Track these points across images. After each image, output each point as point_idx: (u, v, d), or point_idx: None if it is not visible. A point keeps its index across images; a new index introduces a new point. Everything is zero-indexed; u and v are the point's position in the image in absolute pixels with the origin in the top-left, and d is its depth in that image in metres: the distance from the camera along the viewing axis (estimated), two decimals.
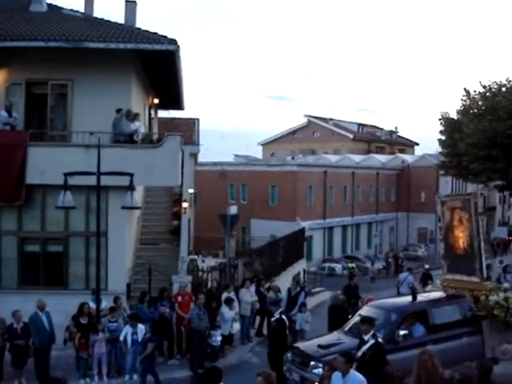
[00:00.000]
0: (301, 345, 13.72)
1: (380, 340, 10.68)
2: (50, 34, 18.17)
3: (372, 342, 10.52)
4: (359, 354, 10.44)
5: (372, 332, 10.76)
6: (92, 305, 15.71)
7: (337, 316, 15.69)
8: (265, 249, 27.53)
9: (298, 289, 18.17)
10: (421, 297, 14.03)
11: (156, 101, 27.49)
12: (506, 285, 14.08)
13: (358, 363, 10.18)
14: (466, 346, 12.53)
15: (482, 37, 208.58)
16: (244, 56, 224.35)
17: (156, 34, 18.71)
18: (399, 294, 20.75)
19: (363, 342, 10.67)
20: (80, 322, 15.00)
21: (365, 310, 13.98)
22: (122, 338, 14.62)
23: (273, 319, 14.53)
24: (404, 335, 12.28)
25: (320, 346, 12.78)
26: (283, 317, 14.31)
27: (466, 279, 13.96)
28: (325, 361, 11.50)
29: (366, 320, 11.27)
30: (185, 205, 22.75)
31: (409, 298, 13.94)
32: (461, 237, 14.05)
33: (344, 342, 12.39)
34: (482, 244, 13.60)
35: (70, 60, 18.57)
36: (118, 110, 18.35)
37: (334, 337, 13.45)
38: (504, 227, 66.51)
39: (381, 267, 50.85)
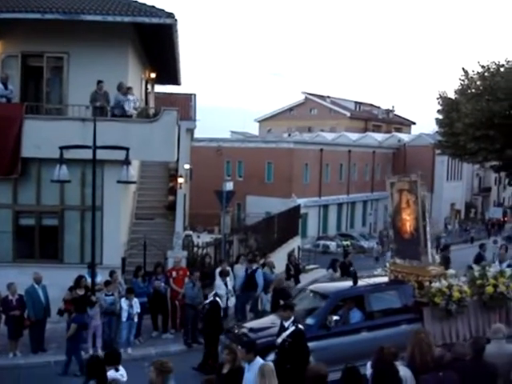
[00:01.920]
0: (238, 327, 13.26)
1: (301, 327, 10.26)
2: (47, 5, 18.05)
3: (292, 328, 10.10)
4: (279, 340, 10.14)
5: (293, 318, 10.33)
6: (88, 279, 15.75)
7: (279, 298, 14.97)
8: (260, 225, 27.58)
9: (254, 267, 17.78)
10: (362, 281, 13.42)
11: (153, 75, 27.36)
12: (451, 271, 13.62)
13: (278, 350, 10.08)
14: (405, 334, 11.50)
15: (482, 16, 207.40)
16: (242, 32, 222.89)
17: (154, 7, 18.57)
18: None
19: (283, 329, 10.27)
20: (76, 293, 15.01)
21: (303, 295, 13.80)
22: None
23: (206, 301, 13.85)
24: (336, 321, 11.83)
25: (250, 330, 12.45)
26: (217, 299, 13.73)
27: (412, 264, 13.50)
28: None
29: (286, 306, 10.84)
30: (180, 180, 22.74)
31: (350, 283, 13.34)
32: (408, 220, 13.53)
33: (275, 325, 11.53)
34: (428, 228, 13.04)
35: (67, 33, 18.46)
36: (99, 82, 18.20)
37: (268, 320, 12.97)
38: (499, 208, 66.80)
39: (375, 246, 51.03)
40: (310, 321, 12.01)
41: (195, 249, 21.45)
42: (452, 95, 35.80)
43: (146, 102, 26.30)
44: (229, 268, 17.56)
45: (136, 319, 15.07)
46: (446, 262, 20.56)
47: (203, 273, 16.98)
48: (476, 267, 13.90)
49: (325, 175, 57.82)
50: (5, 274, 15.81)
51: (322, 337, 11.56)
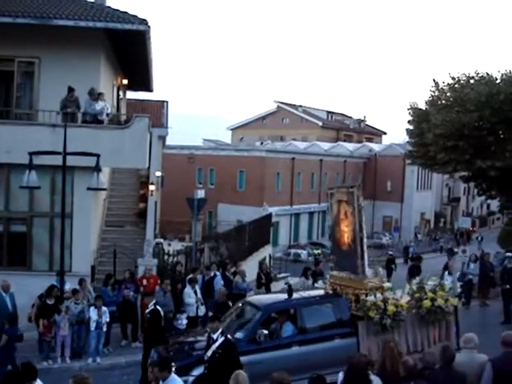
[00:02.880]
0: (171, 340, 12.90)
1: (230, 337, 10.03)
2: (19, 10, 17.86)
3: (221, 339, 9.84)
4: (209, 353, 9.82)
5: (221, 330, 10.09)
6: (56, 283, 15.55)
7: (220, 312, 14.95)
8: (231, 233, 27.53)
9: (212, 274, 17.61)
10: (297, 294, 13.03)
11: (125, 82, 27.20)
12: (387, 284, 13.10)
13: (209, 363, 9.81)
14: (338, 349, 11.61)
15: (453, 30, 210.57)
16: (215, 40, 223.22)
17: (127, 13, 18.48)
18: None
19: (213, 341, 9.96)
20: (46, 303, 14.81)
21: (239, 307, 13.31)
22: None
23: (147, 311, 13.39)
24: (265, 335, 11.47)
25: (180, 344, 12.20)
26: (158, 307, 13.31)
27: (350, 277, 13.04)
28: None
29: (213, 317, 10.62)
30: (152, 187, 22.60)
31: (284, 295, 12.95)
32: (346, 231, 13.09)
33: (201, 340, 11.32)
34: (365, 240, 12.56)
35: (38, 37, 18.31)
36: (70, 90, 18.03)
37: (200, 333, 12.54)
38: (468, 218, 67.53)
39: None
40: (239, 335, 11.65)
41: (166, 257, 21.30)
42: (423, 106, 36.13)
43: (118, 109, 26.12)
44: (199, 276, 17.46)
45: (105, 328, 14.89)
46: (416, 272, 20.80)
47: (175, 280, 16.88)
48: (414, 280, 13.59)
49: (296, 184, 58.01)
50: None
51: (251, 351, 11.16)
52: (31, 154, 14.27)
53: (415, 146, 37.72)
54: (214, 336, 9.97)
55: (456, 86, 33.23)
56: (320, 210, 61.82)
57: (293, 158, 57.21)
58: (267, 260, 28.40)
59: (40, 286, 15.51)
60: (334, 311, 12.42)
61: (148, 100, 33.58)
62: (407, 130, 37.99)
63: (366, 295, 12.24)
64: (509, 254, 19.30)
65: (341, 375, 8.02)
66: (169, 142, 38.14)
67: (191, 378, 10.40)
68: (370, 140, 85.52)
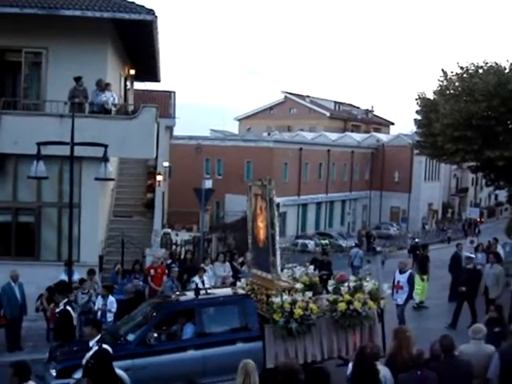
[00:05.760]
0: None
1: (106, 347, 9.03)
2: (25, 0, 17.80)
3: (95, 349, 8.95)
4: (83, 361, 9.00)
5: (98, 337, 9.20)
6: (64, 276, 15.60)
7: (128, 310, 13.94)
8: (239, 224, 27.59)
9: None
10: (202, 295, 12.26)
11: (132, 72, 27.16)
12: (297, 285, 12.28)
13: (83, 372, 8.95)
14: (240, 353, 10.48)
15: (461, 18, 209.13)
16: (223, 30, 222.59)
17: (133, 3, 18.44)
18: (353, 267, 25.41)
19: (88, 349, 9.09)
20: (52, 297, 14.84)
21: (144, 306, 12.62)
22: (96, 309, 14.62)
23: (57, 310, 12.81)
24: (155, 338, 10.84)
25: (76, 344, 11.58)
26: (68, 308, 12.74)
27: (264, 276, 12.40)
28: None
29: (90, 322, 9.80)
30: (159, 178, 22.63)
31: (190, 295, 12.39)
32: (261, 227, 12.44)
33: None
34: (277, 237, 11.80)
35: (46, 28, 18.27)
36: (77, 79, 18.03)
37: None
38: (476, 208, 67.28)
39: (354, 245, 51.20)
40: (130, 337, 11.15)
41: (174, 247, 21.37)
42: (431, 96, 35.91)
43: (125, 99, 26.13)
44: (210, 266, 17.52)
45: (112, 318, 14.90)
46: (425, 261, 20.77)
47: (185, 269, 16.94)
48: (330, 281, 13.06)
49: (304, 174, 57.91)
50: None
51: (140, 354, 10.65)
52: (39, 144, 14.27)
53: (423, 136, 37.54)
54: (90, 343, 9.18)
55: (464, 75, 33.00)
56: (327, 201, 61.78)
57: (300, 149, 57.12)
58: None
59: (48, 276, 15.59)
60: (238, 313, 11.69)
61: (155, 90, 33.60)
62: (415, 120, 37.80)
63: (274, 296, 11.62)
64: (467, 254, 18.69)
65: (350, 366, 8.02)
66: (176, 132, 38.18)
67: (72, 381, 9.89)
68: (377, 130, 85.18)
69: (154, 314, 11.61)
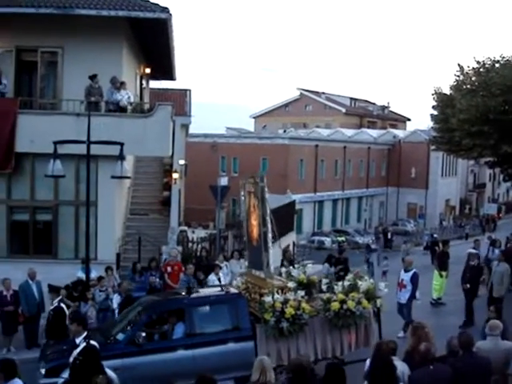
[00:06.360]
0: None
1: (93, 343, 8.97)
2: (41, 0, 17.91)
3: (83, 346, 8.86)
4: (71, 359, 8.87)
5: (85, 334, 9.24)
6: (81, 274, 15.69)
7: (124, 307, 13.66)
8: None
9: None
10: (195, 294, 12.20)
11: (148, 70, 27.24)
12: (290, 284, 11.96)
13: (71, 370, 8.84)
14: (232, 353, 10.92)
15: (478, 12, 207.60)
16: (237, 28, 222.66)
17: (148, 1, 18.48)
18: (368, 263, 27.24)
19: (75, 346, 9.04)
20: (72, 294, 14.94)
21: (136, 305, 12.37)
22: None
23: (50, 308, 12.92)
24: (144, 337, 10.75)
25: (50, 345, 11.63)
26: (62, 305, 12.92)
27: (257, 274, 12.32)
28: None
29: (74, 319, 9.75)
30: (175, 175, 22.69)
31: (181, 295, 12.34)
32: (254, 225, 12.34)
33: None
34: (269, 235, 11.70)
35: (61, 27, 18.36)
36: (92, 77, 18.12)
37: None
38: (493, 204, 66.88)
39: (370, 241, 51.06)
40: (120, 336, 11.10)
41: (190, 244, 21.41)
42: (447, 91, 35.75)
43: (141, 98, 26.20)
44: (226, 263, 17.52)
45: None
46: (445, 258, 20.57)
47: (202, 266, 16.95)
48: (325, 280, 12.83)
49: (320, 171, 57.83)
50: None
51: (129, 354, 10.59)
52: (56, 143, 14.38)
53: (440, 132, 37.36)
54: (77, 341, 9.18)
55: (481, 70, 32.78)
56: (344, 198, 61.67)
57: (316, 146, 57.04)
58: (291, 247, 28.35)
59: (66, 274, 15.69)
60: (230, 312, 11.54)
61: (171, 89, 33.63)
62: (431, 115, 37.64)
63: (265, 295, 11.49)
64: (471, 250, 18.28)
65: (368, 362, 7.98)
66: (192, 130, 38.23)
67: (61, 381, 9.72)
68: (393, 126, 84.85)
69: (144, 313, 11.53)
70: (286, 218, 31.53)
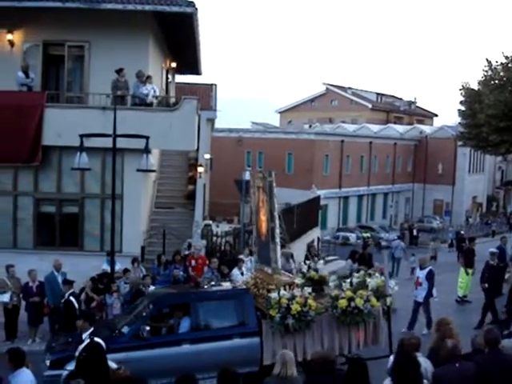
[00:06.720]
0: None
1: (98, 340, 9.05)
2: None
3: (87, 342, 9.00)
4: (76, 354, 9.05)
5: (91, 329, 9.38)
6: (106, 266, 15.81)
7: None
8: (279, 216, 27.51)
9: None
10: (202, 289, 12.40)
11: (173, 65, 27.35)
12: (297, 280, 11.95)
13: (76, 364, 9.05)
14: (237, 349, 10.87)
15: (507, 6, 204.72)
16: (263, 23, 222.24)
17: None
18: (393, 259, 27.13)
19: (81, 341, 9.21)
20: (97, 286, 15.05)
21: (143, 299, 12.44)
22: None
23: (62, 300, 13.13)
24: (148, 331, 10.76)
25: (58, 339, 11.67)
26: (71, 298, 13.00)
27: (265, 270, 12.22)
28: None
29: (82, 315, 10.01)
30: (200, 169, 22.75)
31: (190, 289, 12.45)
32: (263, 220, 12.20)
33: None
34: (277, 230, 11.63)
35: (88, 21, 18.51)
36: (119, 71, 18.22)
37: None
38: None
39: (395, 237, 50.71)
40: (125, 329, 11.11)
41: (214, 238, 21.46)
42: (475, 86, 35.44)
43: (167, 92, 26.31)
44: (250, 257, 17.52)
45: None
46: (471, 255, 20.35)
47: (226, 261, 16.98)
48: (333, 276, 12.64)
49: (345, 167, 57.54)
50: (25, 261, 15.90)
51: (133, 348, 10.60)
52: (82, 136, 14.50)
53: (467, 128, 37.08)
54: (83, 336, 9.33)
55: (509, 65, 32.45)
56: (369, 193, 61.30)
57: (342, 141, 56.74)
58: (315, 243, 28.32)
59: (91, 266, 15.84)
60: (236, 308, 11.46)
61: (197, 83, 33.68)
62: (459, 110, 37.36)
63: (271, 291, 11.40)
64: (492, 249, 17.97)
65: (391, 358, 7.93)
66: (217, 125, 38.26)
67: (65, 372, 9.91)
68: (420, 122, 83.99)
69: (150, 307, 11.53)
70: (310, 214, 31.52)
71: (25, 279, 14.82)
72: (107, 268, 15.58)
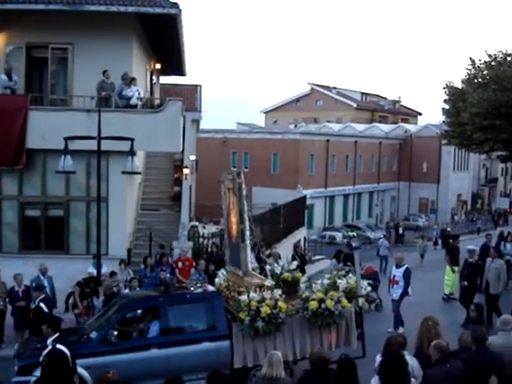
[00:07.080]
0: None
1: (60, 347, 8.65)
2: None
3: (49, 348, 8.72)
4: (40, 359, 8.68)
5: (55, 336, 9.17)
6: (92, 270, 15.76)
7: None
8: (266, 216, 27.53)
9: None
10: (172, 292, 12.30)
11: (158, 66, 27.29)
12: (267, 282, 11.78)
13: (41, 371, 8.64)
14: (207, 352, 10.72)
15: (489, 5, 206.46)
16: (247, 24, 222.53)
17: None
18: (378, 256, 28.38)
19: (46, 347, 8.95)
20: (84, 291, 14.98)
21: (116, 301, 12.25)
22: None
23: (32, 306, 13.03)
24: (116, 336, 10.61)
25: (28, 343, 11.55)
26: (41, 304, 12.83)
27: (236, 272, 12.14)
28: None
29: (45, 321, 9.76)
30: (186, 171, 22.72)
31: (158, 293, 12.39)
32: (233, 222, 12.05)
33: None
34: (247, 232, 11.53)
35: (71, 23, 18.43)
36: (105, 71, 18.17)
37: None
38: (506, 198, 66.52)
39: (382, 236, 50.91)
40: (93, 334, 10.99)
41: (201, 239, 21.44)
42: (459, 85, 35.66)
43: (151, 93, 26.25)
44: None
45: None
46: (456, 252, 20.49)
47: (213, 262, 16.98)
48: (303, 278, 12.59)
49: (331, 166, 57.66)
50: (11, 265, 15.75)
51: (101, 353, 10.46)
52: (66, 139, 14.44)
53: (451, 126, 37.28)
54: (48, 341, 9.16)
55: (493, 63, 32.67)
56: (355, 193, 61.50)
57: (327, 140, 56.87)
58: (302, 242, 28.36)
59: (77, 269, 15.80)
60: (206, 311, 11.38)
61: (181, 84, 33.66)
62: (443, 109, 37.55)
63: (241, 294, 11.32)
64: (470, 247, 18.09)
65: (378, 357, 7.97)
66: (203, 126, 38.23)
67: (33, 379, 9.69)
68: (405, 121, 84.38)
69: (118, 311, 11.41)
70: (296, 213, 31.56)
71: (10, 283, 14.72)
72: (93, 271, 15.52)
